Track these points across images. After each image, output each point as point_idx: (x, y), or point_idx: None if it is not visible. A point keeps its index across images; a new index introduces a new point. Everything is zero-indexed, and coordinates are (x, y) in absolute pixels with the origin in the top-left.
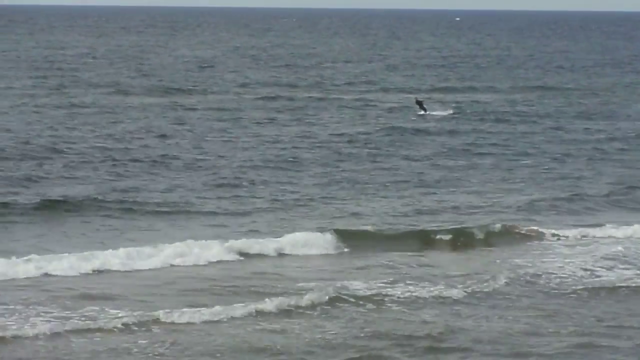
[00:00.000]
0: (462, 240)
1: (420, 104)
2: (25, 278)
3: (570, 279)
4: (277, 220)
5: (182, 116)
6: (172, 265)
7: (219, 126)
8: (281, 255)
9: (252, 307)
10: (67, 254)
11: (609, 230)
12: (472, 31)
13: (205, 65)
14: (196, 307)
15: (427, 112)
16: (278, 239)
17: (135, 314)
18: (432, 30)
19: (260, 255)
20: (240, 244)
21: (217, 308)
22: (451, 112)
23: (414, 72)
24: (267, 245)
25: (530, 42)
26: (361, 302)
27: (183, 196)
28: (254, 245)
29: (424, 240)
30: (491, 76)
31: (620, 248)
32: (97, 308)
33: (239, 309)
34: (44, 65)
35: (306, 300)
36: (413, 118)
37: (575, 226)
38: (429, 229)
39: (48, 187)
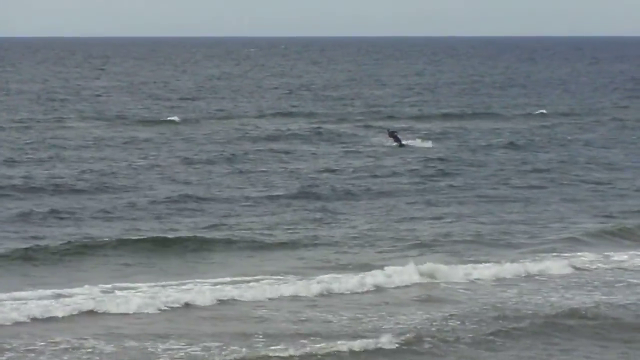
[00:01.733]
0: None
1: (394, 135)
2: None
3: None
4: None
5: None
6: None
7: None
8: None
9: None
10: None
11: None
12: (446, 57)
13: (218, 95)
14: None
15: (405, 144)
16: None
17: None
18: (402, 56)
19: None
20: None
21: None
22: (430, 145)
23: (393, 100)
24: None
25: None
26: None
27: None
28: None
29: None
30: (470, 102)
31: None
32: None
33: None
34: (39, 98)
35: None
36: (383, 150)
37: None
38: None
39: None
